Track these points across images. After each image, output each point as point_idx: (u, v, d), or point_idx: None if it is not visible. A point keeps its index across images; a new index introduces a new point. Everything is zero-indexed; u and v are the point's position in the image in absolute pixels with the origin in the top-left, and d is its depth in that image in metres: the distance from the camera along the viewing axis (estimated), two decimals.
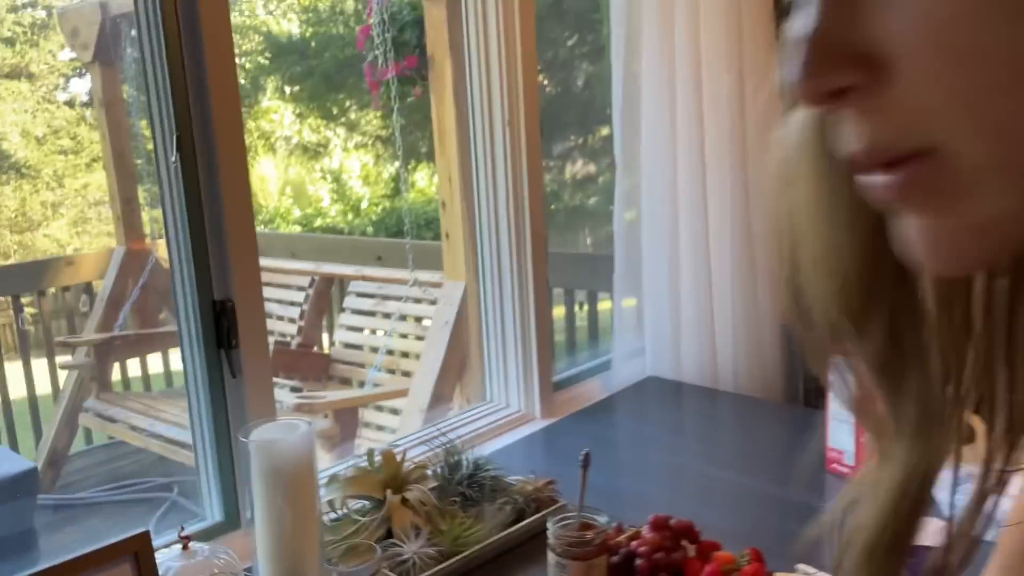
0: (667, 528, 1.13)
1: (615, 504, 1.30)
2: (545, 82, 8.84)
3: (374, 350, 3.41)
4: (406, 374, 3.18)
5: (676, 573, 1.07)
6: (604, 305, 2.95)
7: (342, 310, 3.74)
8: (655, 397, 1.89)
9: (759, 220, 1.88)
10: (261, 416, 1.28)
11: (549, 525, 1.08)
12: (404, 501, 1.26)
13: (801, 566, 1.15)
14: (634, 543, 1.11)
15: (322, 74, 8.91)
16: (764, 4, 1.83)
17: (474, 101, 1.73)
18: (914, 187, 0.26)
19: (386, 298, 3.41)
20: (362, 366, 3.44)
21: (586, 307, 3.36)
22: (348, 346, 3.64)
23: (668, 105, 1.80)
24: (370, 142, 10.00)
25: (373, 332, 3.56)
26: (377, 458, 1.32)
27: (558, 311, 3.85)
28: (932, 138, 0.25)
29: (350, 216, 9.31)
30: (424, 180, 8.68)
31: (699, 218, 1.86)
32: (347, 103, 9.57)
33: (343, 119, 9.82)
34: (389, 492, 1.27)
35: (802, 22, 0.26)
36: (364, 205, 9.37)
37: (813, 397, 1.94)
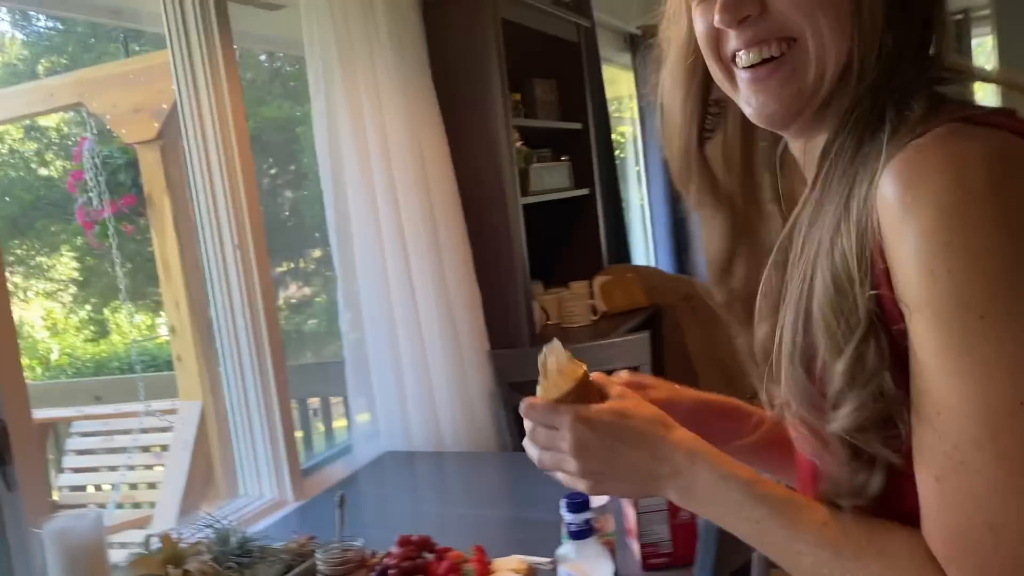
0: (410, 544, 1.43)
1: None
2: None
3: (110, 487, 3.35)
4: (146, 504, 3.18)
5: (421, 572, 1.38)
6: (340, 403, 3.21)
7: (64, 454, 3.62)
8: (391, 466, 2.19)
9: (460, 307, 2.30)
10: (39, 523, 1.41)
11: (317, 554, 1.34)
12: (186, 573, 1.44)
13: (518, 556, 1.50)
14: (386, 559, 1.40)
15: (8, 219, 8.35)
16: (441, 141, 2.30)
17: (204, 230, 1.98)
18: (777, 66, 0.65)
19: (119, 433, 3.39)
20: (102, 507, 3.36)
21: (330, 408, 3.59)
22: (76, 488, 3.53)
23: (374, 221, 2.19)
24: (60, 288, 9.41)
25: (113, 469, 3.49)
26: (155, 542, 1.49)
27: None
28: (792, 32, 0.63)
29: (39, 370, 8.60)
30: (127, 318, 8.32)
31: (411, 312, 2.24)
32: (31, 249, 8.98)
33: (24, 266, 9.17)
34: (171, 568, 1.45)
35: None
36: (55, 356, 8.72)
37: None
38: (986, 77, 0.66)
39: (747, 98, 0.68)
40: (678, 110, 0.77)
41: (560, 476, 0.76)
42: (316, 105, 2.11)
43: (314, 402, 3.43)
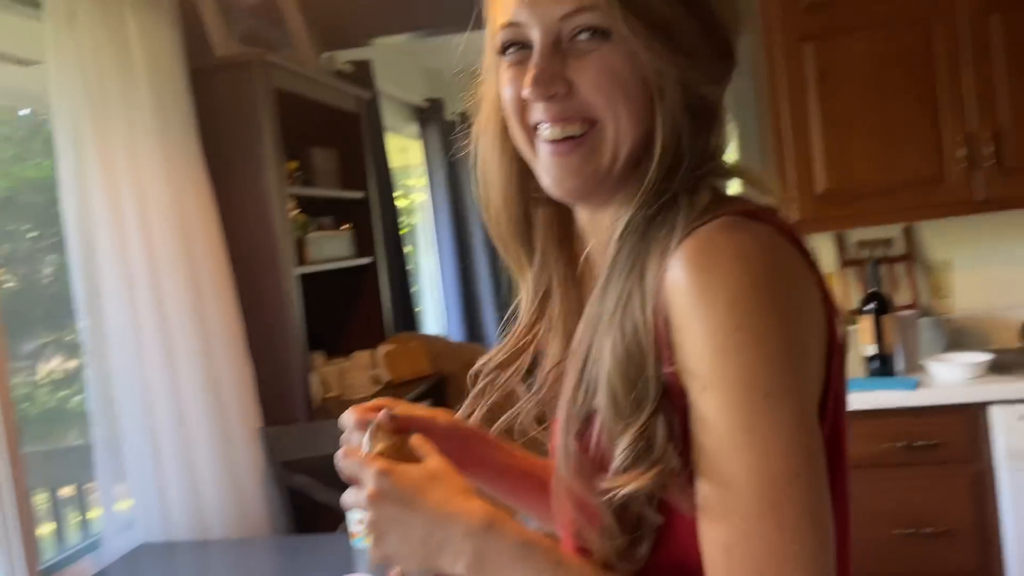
0: None
1: None
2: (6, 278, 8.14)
3: None
4: None
5: None
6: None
7: None
8: (148, 560, 2.00)
9: (228, 382, 2.18)
10: None
11: None
12: None
13: None
14: None
15: None
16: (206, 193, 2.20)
17: None
18: (578, 144, 0.67)
19: None
20: None
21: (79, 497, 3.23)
22: None
23: (128, 291, 2.03)
24: None
25: None
26: None
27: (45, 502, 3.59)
28: (594, 115, 0.66)
29: None
30: None
31: (171, 388, 2.09)
32: None
33: None
34: None
35: (532, 70, 0.67)
36: None
37: (298, 526, 2.24)
38: (745, 177, 0.71)
39: (547, 169, 0.70)
40: (495, 169, 0.77)
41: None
42: (64, 167, 1.95)
43: (67, 491, 3.09)
